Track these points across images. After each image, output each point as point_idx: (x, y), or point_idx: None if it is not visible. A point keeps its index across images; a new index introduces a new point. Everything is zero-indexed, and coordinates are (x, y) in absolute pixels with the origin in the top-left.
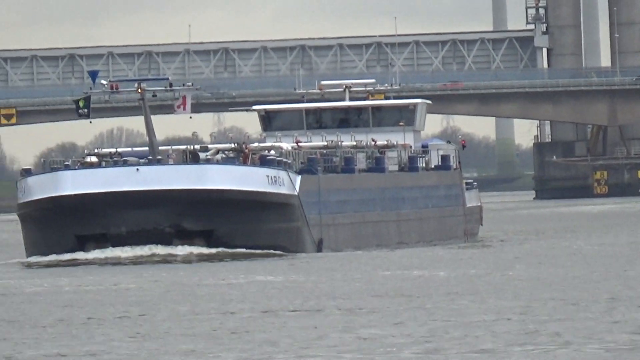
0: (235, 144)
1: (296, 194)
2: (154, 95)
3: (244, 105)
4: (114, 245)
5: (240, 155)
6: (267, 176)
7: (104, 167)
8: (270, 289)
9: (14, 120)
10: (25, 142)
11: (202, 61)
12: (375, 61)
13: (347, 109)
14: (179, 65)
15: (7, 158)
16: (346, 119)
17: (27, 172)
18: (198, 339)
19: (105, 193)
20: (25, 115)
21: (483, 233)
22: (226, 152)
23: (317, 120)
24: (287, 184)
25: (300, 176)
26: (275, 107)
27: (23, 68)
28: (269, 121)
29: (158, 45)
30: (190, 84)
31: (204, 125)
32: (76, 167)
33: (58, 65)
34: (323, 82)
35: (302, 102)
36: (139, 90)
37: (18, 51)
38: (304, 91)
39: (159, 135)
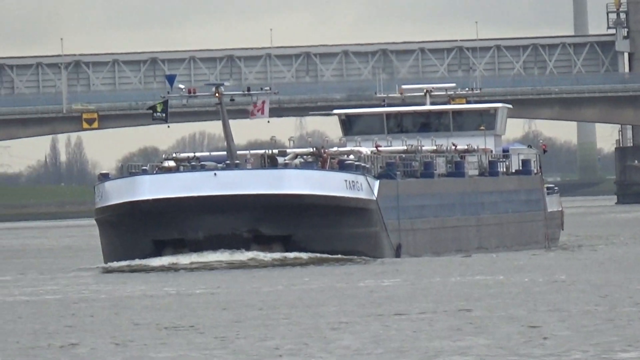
0: (314, 149)
1: (374, 198)
2: (232, 100)
3: (325, 109)
4: (191, 251)
5: (319, 159)
6: (345, 181)
7: (181, 172)
8: (355, 293)
9: (96, 125)
10: (107, 147)
11: (284, 65)
12: (456, 65)
13: (427, 113)
14: (260, 70)
15: (89, 162)
16: (427, 123)
17: (104, 177)
18: (288, 341)
19: (182, 198)
20: (107, 120)
21: (564, 238)
22: (304, 156)
23: (397, 125)
24: (366, 188)
25: (378, 181)
26: (355, 111)
27: (105, 72)
28: (349, 125)
29: (240, 49)
30: (268, 88)
31: (285, 129)
32: (154, 172)
33: (140, 70)
34: (404, 87)
35: (383, 106)
36: (217, 95)
37: (100, 55)
38: (385, 95)
39: (240, 140)
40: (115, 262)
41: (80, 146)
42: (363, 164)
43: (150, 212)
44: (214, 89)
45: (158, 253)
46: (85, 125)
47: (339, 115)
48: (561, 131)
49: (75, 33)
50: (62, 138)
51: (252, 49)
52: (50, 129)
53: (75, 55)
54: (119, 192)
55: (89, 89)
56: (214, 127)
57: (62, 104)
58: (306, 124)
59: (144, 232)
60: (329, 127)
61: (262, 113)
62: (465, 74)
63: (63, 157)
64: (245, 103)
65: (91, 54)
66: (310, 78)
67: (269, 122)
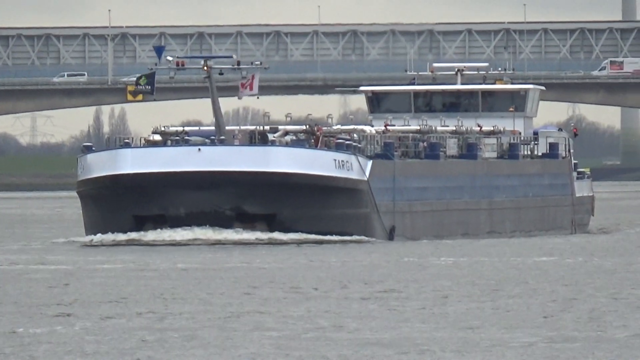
0: (307, 126)
1: (365, 179)
2: (221, 74)
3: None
4: (172, 227)
5: (312, 138)
6: (335, 160)
7: (165, 147)
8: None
9: (140, 97)
10: (151, 119)
11: (331, 43)
12: (502, 48)
13: (457, 93)
14: (307, 47)
15: (132, 134)
16: (456, 103)
17: (87, 149)
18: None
19: (164, 173)
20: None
21: (595, 224)
22: (298, 134)
23: (426, 104)
24: (356, 168)
25: (371, 161)
26: (382, 88)
27: (151, 45)
28: (377, 103)
29: (287, 25)
30: (258, 62)
31: (330, 107)
32: (140, 146)
33: (186, 43)
34: (435, 65)
35: (413, 84)
36: (205, 68)
37: (147, 28)
38: (415, 73)
39: (280, 115)
40: (95, 236)
41: (124, 118)
42: (355, 144)
43: (130, 186)
44: (202, 62)
45: (139, 228)
46: (129, 97)
47: (366, 92)
48: (605, 116)
49: (122, 5)
50: (105, 109)
51: (299, 25)
52: (95, 100)
53: (122, 27)
54: (100, 166)
55: (134, 61)
56: (258, 103)
57: (107, 76)
58: (350, 101)
59: (124, 207)
60: None
61: (251, 89)
62: (512, 56)
63: (106, 129)
64: (238, 79)
65: (138, 26)
66: (356, 56)
67: (258, 98)
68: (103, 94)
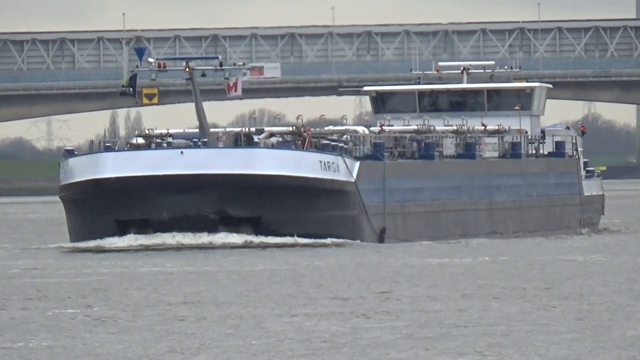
0: (293, 127)
1: (352, 180)
2: (203, 75)
3: None
4: (155, 231)
5: (298, 139)
6: (320, 162)
7: (147, 150)
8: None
9: (155, 100)
10: (167, 122)
11: (345, 44)
12: (517, 47)
13: (462, 92)
14: (321, 48)
15: None
16: (462, 102)
17: (69, 153)
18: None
19: (145, 176)
20: (167, 95)
21: (606, 223)
22: (285, 135)
23: (432, 103)
24: (343, 170)
25: (358, 162)
26: (386, 88)
27: (166, 48)
28: (382, 103)
29: (301, 27)
30: (241, 63)
31: (346, 107)
32: (125, 149)
33: (201, 46)
34: (440, 64)
35: (418, 84)
36: (187, 70)
37: (161, 31)
38: (421, 73)
39: (307, 116)
40: (79, 242)
41: (140, 121)
42: (342, 145)
43: (112, 190)
44: (184, 63)
45: (122, 233)
46: (145, 100)
47: (370, 92)
48: (621, 114)
49: (136, 8)
50: (121, 113)
51: (313, 27)
52: (110, 103)
53: (136, 30)
54: (82, 170)
55: (150, 65)
56: (275, 105)
57: (122, 79)
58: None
59: (106, 212)
60: None
61: (235, 91)
62: (527, 55)
63: (122, 132)
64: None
65: (152, 30)
66: (371, 57)
67: (242, 99)
68: (118, 97)
